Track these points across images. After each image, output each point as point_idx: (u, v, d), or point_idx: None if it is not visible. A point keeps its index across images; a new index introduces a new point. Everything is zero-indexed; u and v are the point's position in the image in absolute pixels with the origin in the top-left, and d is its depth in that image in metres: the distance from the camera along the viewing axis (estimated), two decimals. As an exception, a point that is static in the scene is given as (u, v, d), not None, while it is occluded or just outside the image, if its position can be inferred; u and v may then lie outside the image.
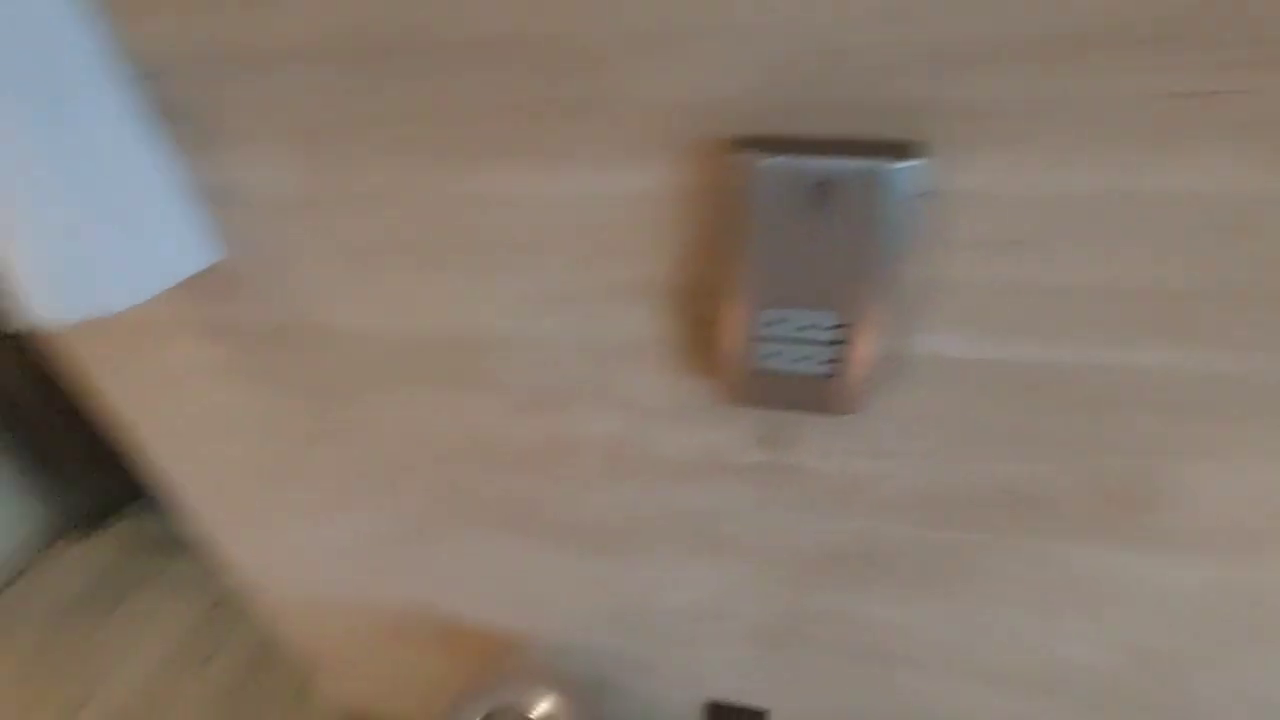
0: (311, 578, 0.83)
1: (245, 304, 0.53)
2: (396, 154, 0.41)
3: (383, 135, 0.41)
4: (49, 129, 0.38)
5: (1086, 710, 0.64)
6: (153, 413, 0.66)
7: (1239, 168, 0.32)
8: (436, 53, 0.37)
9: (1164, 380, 0.40)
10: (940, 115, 0.33)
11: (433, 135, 0.40)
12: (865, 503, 0.52)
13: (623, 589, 0.68)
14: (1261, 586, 0.50)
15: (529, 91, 0.37)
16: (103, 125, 0.41)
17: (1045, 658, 0.60)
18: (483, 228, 0.43)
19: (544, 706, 0.72)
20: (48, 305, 0.42)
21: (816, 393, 0.44)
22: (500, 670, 0.80)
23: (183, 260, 0.48)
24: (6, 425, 1.42)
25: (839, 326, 0.40)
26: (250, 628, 1.36)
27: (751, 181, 0.35)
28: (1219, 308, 0.37)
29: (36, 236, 0.40)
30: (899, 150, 0.34)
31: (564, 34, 0.35)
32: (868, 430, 0.47)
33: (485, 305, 0.47)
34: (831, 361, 0.42)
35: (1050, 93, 0.32)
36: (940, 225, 0.37)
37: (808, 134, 0.35)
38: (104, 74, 0.41)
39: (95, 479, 1.58)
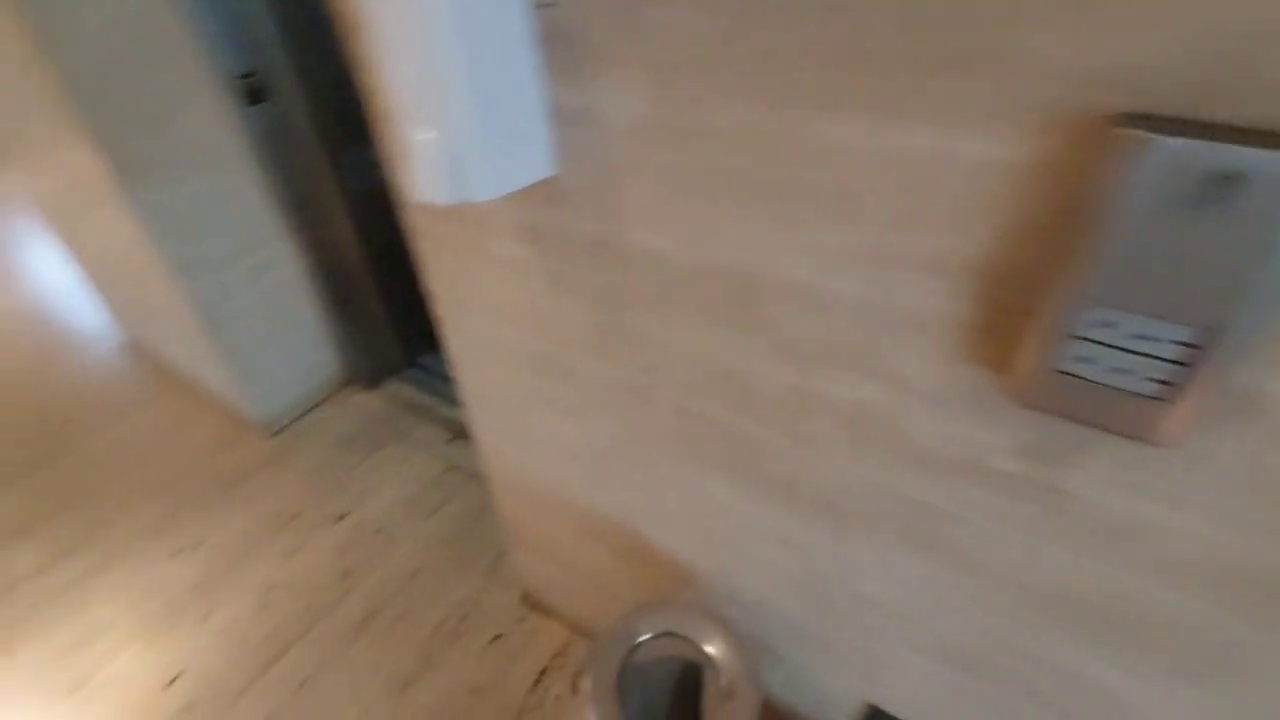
0: (540, 465, 0.94)
1: (566, 214, 0.61)
2: (743, 95, 0.44)
3: (734, 77, 0.44)
4: (480, 43, 0.47)
5: None
6: (462, 291, 0.79)
7: None
8: (807, 1, 0.38)
9: None
10: None
11: (784, 81, 0.42)
12: (1138, 554, 0.46)
13: (821, 560, 0.68)
14: None
15: (895, 44, 0.37)
16: (511, 45, 0.50)
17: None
18: (808, 176, 0.44)
19: (717, 645, 0.76)
20: (436, 186, 0.52)
21: (1128, 413, 0.39)
22: (678, 599, 0.85)
23: (532, 168, 0.56)
24: (330, 288, 1.79)
25: (1186, 345, 0.36)
26: (469, 497, 1.59)
27: (1134, 163, 0.32)
28: None
29: (445, 129, 0.49)
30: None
31: (951, -13, 0.34)
32: (1174, 471, 0.42)
33: (783, 250, 0.49)
34: (1160, 381, 0.37)
35: None
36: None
37: (1220, 118, 0.31)
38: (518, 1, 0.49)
39: (381, 347, 1.93)
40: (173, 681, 1.26)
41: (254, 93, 1.43)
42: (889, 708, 0.79)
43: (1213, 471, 0.40)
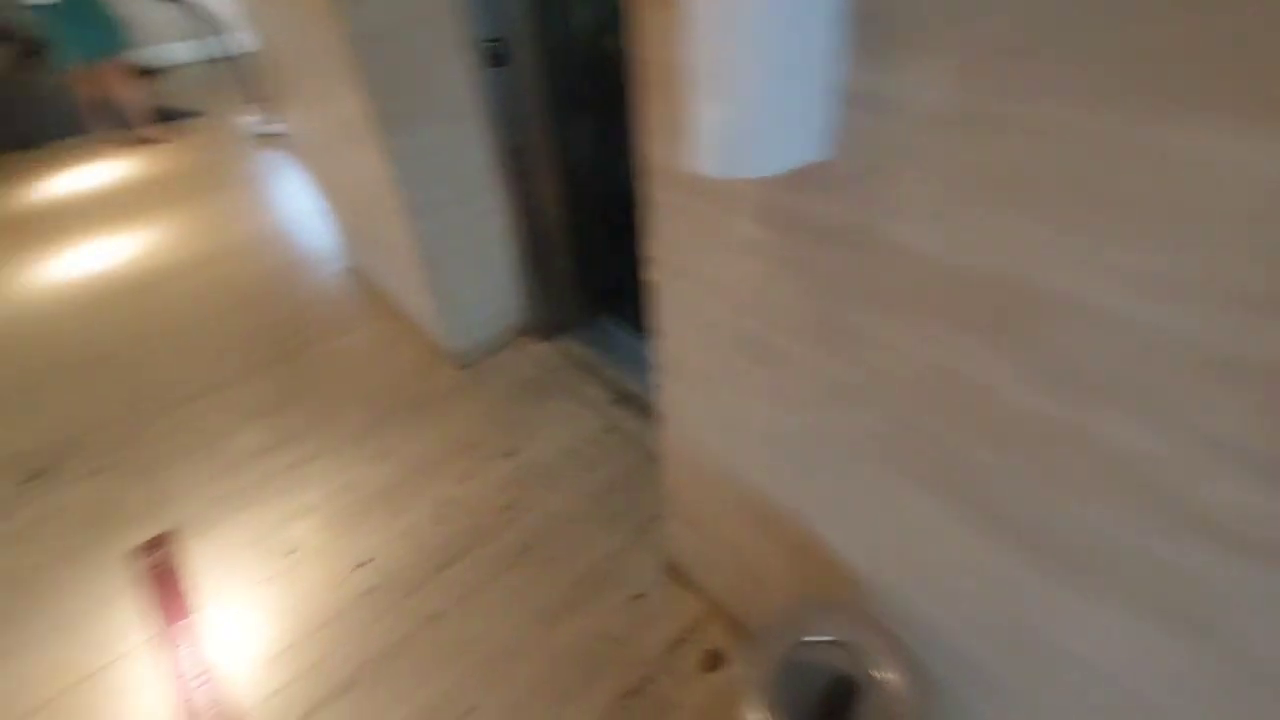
0: (721, 444, 0.95)
1: (819, 200, 0.60)
2: (1084, 93, 0.40)
3: (1075, 71, 0.40)
4: (790, 21, 0.47)
5: None
6: (685, 262, 0.81)
7: None
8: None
9: None
10: None
11: (1138, 80, 0.38)
12: None
13: (1026, 603, 0.63)
14: None
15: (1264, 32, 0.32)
16: (818, 24, 0.49)
17: None
18: (1146, 189, 0.40)
19: (891, 673, 0.72)
20: (716, 159, 0.53)
21: None
22: (846, 604, 0.83)
23: (806, 150, 0.56)
24: (529, 242, 1.92)
25: None
26: (626, 459, 1.65)
27: None
28: None
29: (739, 103, 0.50)
30: None
31: None
32: None
33: (1081, 266, 0.45)
34: None
35: None
36: None
37: None
38: (832, -22, 0.48)
39: (563, 303, 2.04)
40: (362, 565, 1.46)
41: (496, 57, 1.55)
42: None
43: None
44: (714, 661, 1.22)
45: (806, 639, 0.77)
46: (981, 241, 0.49)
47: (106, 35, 3.91)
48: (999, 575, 0.64)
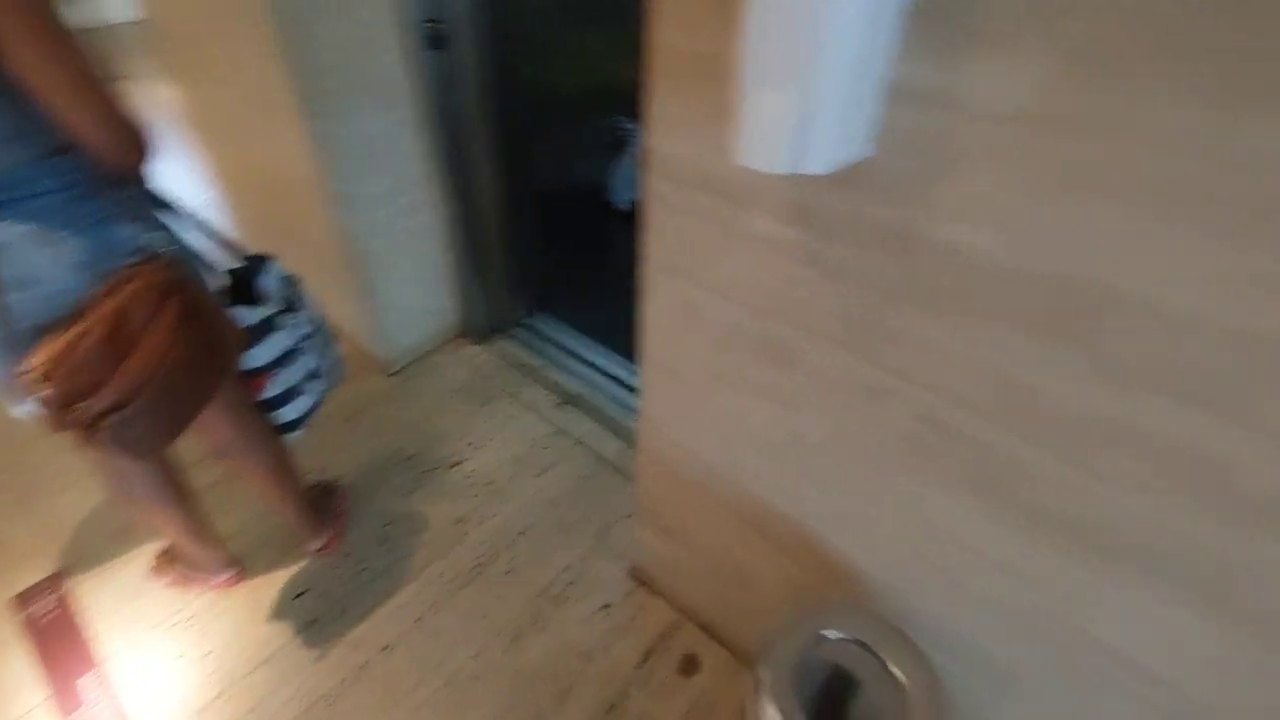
0: (710, 447, 0.93)
1: (858, 198, 0.58)
2: (1150, 88, 0.40)
3: (1141, 66, 0.40)
4: (855, 8, 0.45)
5: None
6: (685, 261, 0.78)
7: None
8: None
9: None
10: None
11: (1202, 75, 0.38)
12: None
13: (1062, 599, 0.64)
14: None
15: None
16: (881, 13, 0.47)
17: None
18: (1215, 184, 0.41)
19: (911, 674, 0.72)
20: (773, 153, 0.50)
21: None
22: (823, 603, 0.83)
23: (856, 146, 0.54)
24: (464, 239, 1.81)
25: None
26: (577, 464, 1.60)
27: None
28: None
29: (802, 94, 0.47)
30: None
31: None
32: None
33: (1156, 263, 0.45)
34: None
35: None
36: None
37: None
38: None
39: (499, 303, 1.95)
40: (299, 596, 1.31)
41: (435, 38, 1.45)
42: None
43: None
44: (690, 667, 1.20)
45: (822, 634, 0.77)
46: (1048, 243, 0.49)
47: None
48: (1031, 570, 0.65)
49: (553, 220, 2.01)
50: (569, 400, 1.79)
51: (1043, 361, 0.54)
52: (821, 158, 0.51)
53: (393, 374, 1.86)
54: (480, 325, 1.97)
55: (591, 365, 1.87)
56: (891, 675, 0.74)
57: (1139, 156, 0.43)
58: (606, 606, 1.30)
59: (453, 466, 1.60)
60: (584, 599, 1.32)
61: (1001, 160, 0.49)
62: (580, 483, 1.56)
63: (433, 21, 1.43)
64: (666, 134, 0.70)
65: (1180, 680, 0.60)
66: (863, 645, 0.76)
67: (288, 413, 1.17)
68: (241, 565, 1.35)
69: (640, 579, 1.34)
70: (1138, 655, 0.62)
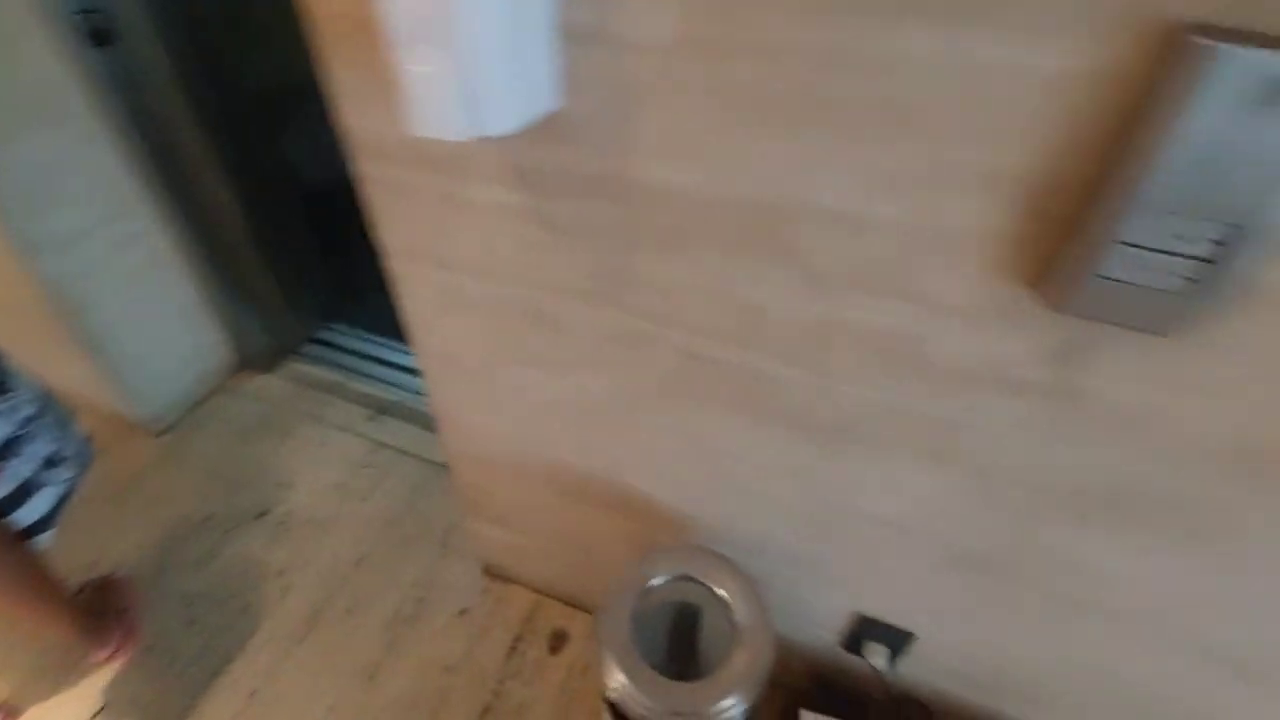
0: (511, 427, 0.90)
1: (565, 150, 0.56)
2: (796, 6, 0.42)
3: None
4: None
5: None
6: (425, 243, 0.72)
7: None
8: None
9: None
10: None
11: None
12: (1149, 441, 0.52)
13: (830, 486, 0.71)
14: None
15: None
16: (521, -49, 0.44)
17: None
18: (864, 93, 0.44)
19: (729, 588, 0.77)
20: (446, 119, 0.46)
21: (1155, 309, 0.43)
22: (654, 549, 0.86)
23: (542, 98, 0.51)
24: (210, 261, 1.58)
25: (1218, 243, 0.39)
26: (405, 474, 1.50)
27: (1202, 71, 0.34)
28: None
29: (459, 51, 0.43)
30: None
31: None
32: (1188, 360, 0.47)
33: (826, 175, 0.48)
34: (1189, 279, 0.41)
35: None
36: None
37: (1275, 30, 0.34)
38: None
39: (275, 323, 1.74)
40: (96, 716, 1.12)
41: (98, 33, 1.20)
42: (879, 615, 0.85)
43: (1225, 357, 0.46)
44: (559, 642, 1.19)
45: (650, 584, 0.79)
46: (736, 169, 0.51)
47: None
48: (800, 469, 0.71)
49: (322, 219, 1.81)
50: (382, 410, 1.66)
51: (762, 280, 0.57)
52: (501, 116, 0.48)
53: (162, 433, 1.61)
54: (261, 352, 1.75)
55: (398, 367, 1.75)
56: (718, 596, 0.78)
57: (783, 73, 0.45)
58: (464, 611, 1.25)
59: (260, 516, 1.43)
60: (439, 611, 1.25)
61: (674, 93, 0.49)
62: (413, 493, 1.47)
63: (89, 12, 1.19)
64: (354, 109, 0.63)
65: (932, 527, 0.69)
66: (689, 578, 0.79)
67: (26, 514, 0.96)
68: (11, 707, 1.12)
69: (494, 573, 1.30)
70: (901, 517, 0.69)
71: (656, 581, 0.78)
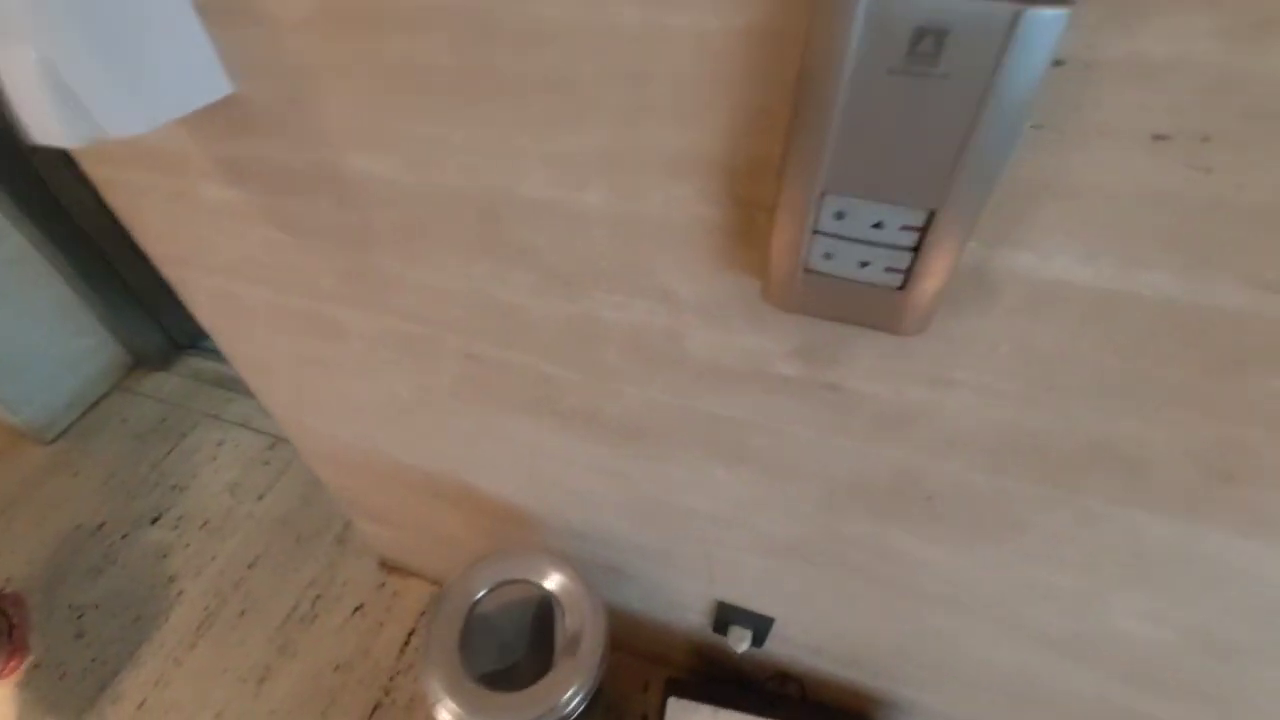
0: (347, 430, 0.85)
1: (263, 142, 0.49)
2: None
3: None
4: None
5: (1121, 681, 0.61)
6: (186, 249, 0.65)
7: None
8: None
9: (1320, 335, 0.32)
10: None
11: None
12: (913, 436, 0.47)
13: (641, 483, 0.66)
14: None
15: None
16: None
17: (1089, 623, 0.56)
18: (518, 68, 0.37)
19: (559, 584, 0.73)
20: (51, 123, 0.39)
21: (876, 306, 0.37)
22: (512, 543, 0.82)
23: (196, 87, 0.44)
24: (78, 257, 1.49)
25: (918, 229, 0.33)
26: (303, 469, 1.45)
27: (839, 24, 0.27)
28: None
29: (44, 39, 0.36)
30: (1041, -8, 0.25)
31: None
32: (932, 355, 0.41)
33: (513, 163, 0.42)
34: (901, 270, 0.35)
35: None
36: (1075, 106, 0.29)
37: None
38: None
39: (164, 316, 1.66)
40: (-32, 745, 1.09)
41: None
42: (735, 601, 0.82)
43: (966, 351, 0.40)
44: (453, 634, 1.17)
45: (478, 595, 0.75)
46: (430, 156, 0.44)
47: None
48: (608, 467, 0.66)
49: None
50: (286, 400, 1.60)
51: (506, 280, 0.50)
52: (123, 115, 0.40)
53: (51, 441, 1.55)
54: (155, 348, 1.68)
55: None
56: (553, 594, 0.74)
57: (439, 45, 0.37)
58: (360, 608, 1.22)
59: (154, 521, 1.38)
60: (335, 609, 1.23)
61: (339, 75, 0.42)
62: (310, 489, 1.42)
63: None
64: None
65: (749, 521, 0.64)
66: (516, 581, 0.75)
67: None
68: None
69: (390, 567, 1.27)
70: (719, 512, 0.65)
71: (482, 593, 0.74)
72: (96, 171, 0.60)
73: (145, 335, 1.64)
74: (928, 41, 0.26)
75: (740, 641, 0.86)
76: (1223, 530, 0.44)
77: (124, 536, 1.36)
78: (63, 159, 1.35)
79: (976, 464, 0.47)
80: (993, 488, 0.49)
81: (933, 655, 0.73)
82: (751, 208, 0.38)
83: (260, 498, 1.40)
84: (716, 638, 0.93)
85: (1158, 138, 0.28)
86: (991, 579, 0.57)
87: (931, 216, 0.32)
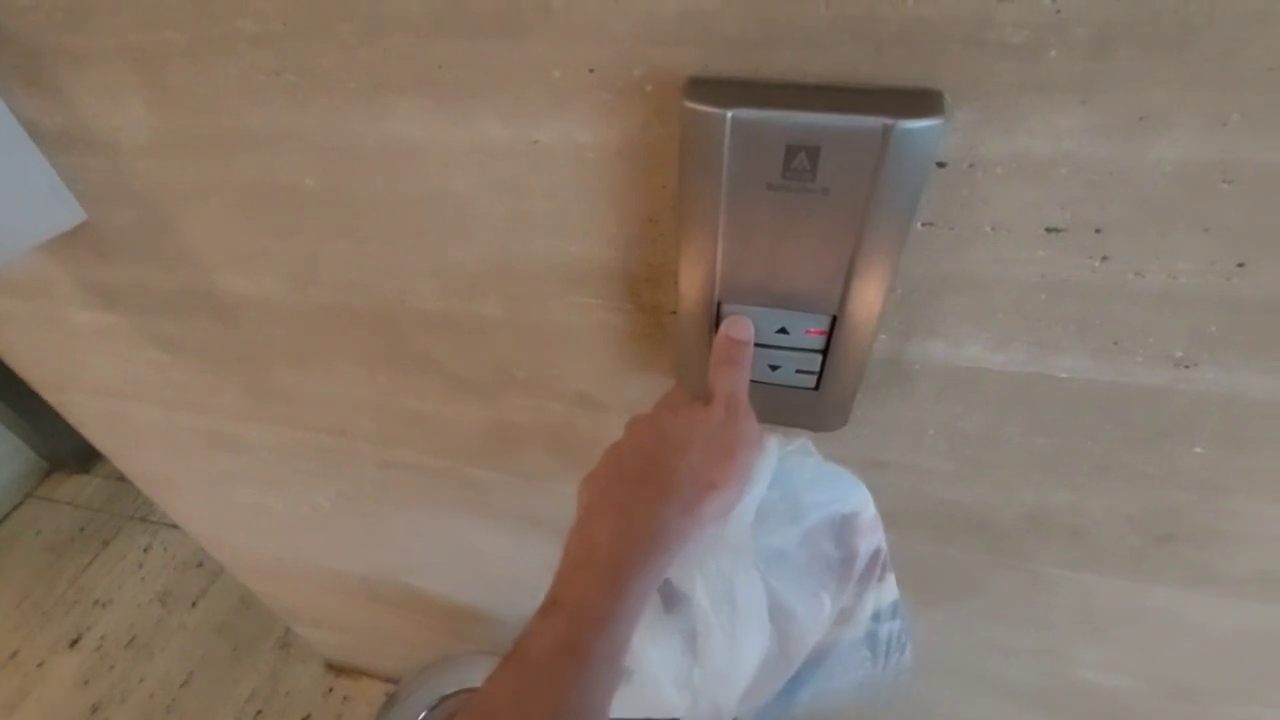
0: (268, 542, 0.79)
1: (130, 267, 0.45)
2: (272, 84, 0.32)
3: (251, 60, 0.31)
4: None
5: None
6: (64, 374, 0.60)
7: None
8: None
9: (1227, 407, 0.31)
10: (973, 51, 0.23)
11: (314, 60, 0.30)
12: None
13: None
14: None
15: (425, 6, 0.27)
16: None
17: (1055, 677, 0.55)
18: (395, 182, 0.34)
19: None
20: None
21: (794, 405, 0.36)
22: (463, 639, 0.77)
23: (41, 217, 0.40)
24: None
25: (823, 332, 0.31)
26: (238, 570, 1.36)
27: (711, 140, 0.26)
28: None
29: None
30: (911, 103, 0.24)
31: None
32: (861, 439, 0.39)
33: (405, 275, 0.39)
34: (813, 372, 0.33)
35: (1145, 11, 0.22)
36: (964, 204, 0.28)
37: (783, 75, 0.25)
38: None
39: (81, 415, 1.55)
40: None
41: None
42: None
43: (893, 434, 0.39)
44: (412, 736, 1.09)
45: (443, 697, 0.70)
46: (311, 273, 0.41)
47: None
48: (545, 562, 0.62)
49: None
50: (219, 493, 1.50)
51: (410, 388, 0.47)
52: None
53: (-46, 563, 1.41)
54: (72, 451, 1.56)
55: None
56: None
57: (303, 165, 0.35)
58: (307, 717, 1.13)
59: (73, 644, 1.26)
60: (282, 717, 1.13)
61: (194, 198, 0.38)
62: (246, 594, 1.32)
63: None
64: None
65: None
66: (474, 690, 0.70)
67: None
68: None
69: (338, 669, 1.18)
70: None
71: (424, 714, 0.68)
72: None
73: (60, 438, 1.53)
74: (801, 158, 0.25)
75: None
76: (1169, 585, 0.43)
77: (39, 666, 1.24)
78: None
79: (920, 536, 0.45)
80: (941, 556, 0.47)
81: (905, 717, 0.70)
82: (657, 312, 0.36)
83: (194, 604, 1.30)
84: None
85: (1051, 230, 0.27)
86: (950, 636, 0.55)
87: (834, 320, 0.31)
